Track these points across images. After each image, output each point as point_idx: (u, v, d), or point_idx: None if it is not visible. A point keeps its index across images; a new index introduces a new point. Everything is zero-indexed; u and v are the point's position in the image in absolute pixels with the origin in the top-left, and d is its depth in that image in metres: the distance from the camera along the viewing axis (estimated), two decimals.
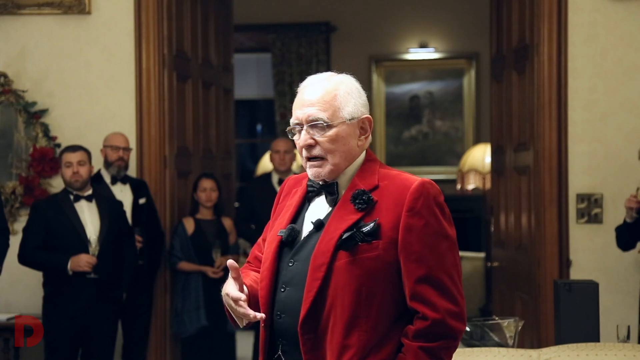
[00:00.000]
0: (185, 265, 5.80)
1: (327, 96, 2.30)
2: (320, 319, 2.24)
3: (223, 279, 5.81)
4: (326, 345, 2.23)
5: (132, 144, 5.58)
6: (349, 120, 2.30)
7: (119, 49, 5.66)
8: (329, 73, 2.40)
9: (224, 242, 5.91)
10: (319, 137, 2.29)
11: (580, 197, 5.33)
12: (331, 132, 2.29)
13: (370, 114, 2.39)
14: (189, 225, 5.86)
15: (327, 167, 2.30)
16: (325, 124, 2.29)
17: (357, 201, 2.26)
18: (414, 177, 2.28)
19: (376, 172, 2.31)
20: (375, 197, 2.26)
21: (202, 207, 5.91)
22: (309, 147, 2.31)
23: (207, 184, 5.90)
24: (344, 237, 2.23)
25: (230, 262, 2.33)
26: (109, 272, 4.99)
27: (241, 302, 2.29)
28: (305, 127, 2.31)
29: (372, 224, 2.23)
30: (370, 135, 2.37)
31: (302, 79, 2.45)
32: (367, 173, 2.31)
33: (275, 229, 2.40)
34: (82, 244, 4.94)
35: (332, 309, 2.23)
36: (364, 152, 2.36)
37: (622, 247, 5.02)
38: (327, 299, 2.23)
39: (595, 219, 5.31)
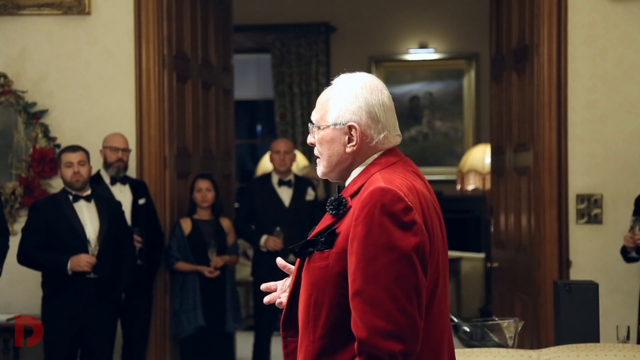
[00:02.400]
0: (182, 266, 5.81)
1: (325, 98, 2.28)
2: (296, 324, 2.24)
3: (219, 279, 5.85)
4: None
5: (132, 144, 5.58)
6: (333, 125, 2.23)
7: (119, 49, 5.66)
8: (352, 74, 2.31)
9: (220, 242, 5.91)
10: (315, 138, 2.30)
11: (580, 198, 5.33)
12: (318, 135, 2.27)
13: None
14: (186, 225, 5.86)
15: (320, 168, 2.30)
16: (315, 127, 2.28)
17: (329, 206, 2.19)
18: (376, 184, 2.13)
19: (369, 176, 2.19)
20: (351, 203, 2.17)
21: (200, 207, 5.91)
22: (312, 144, 2.32)
23: (202, 184, 5.90)
24: (300, 244, 2.20)
25: (278, 260, 2.39)
26: (108, 272, 4.99)
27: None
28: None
29: (327, 233, 2.16)
30: (373, 141, 2.24)
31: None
32: (361, 177, 2.22)
33: None
34: (81, 244, 4.93)
35: (299, 315, 2.22)
36: (376, 155, 2.26)
37: (626, 260, 5.00)
38: (297, 305, 2.23)
39: (595, 220, 5.30)
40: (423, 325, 2.09)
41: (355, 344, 2.06)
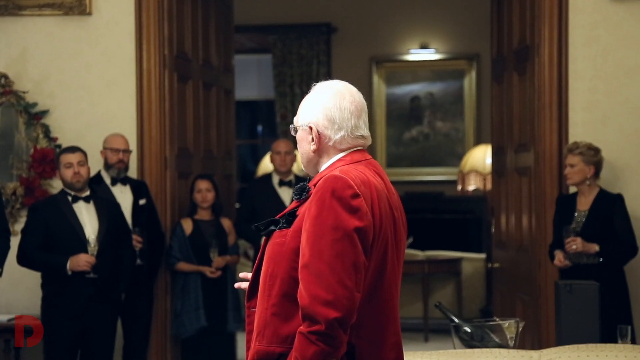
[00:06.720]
0: (183, 266, 5.80)
1: (302, 103, 2.55)
2: (256, 296, 2.51)
3: (221, 279, 5.85)
4: None
5: (133, 145, 5.59)
6: (300, 126, 2.53)
7: (120, 50, 5.67)
8: (328, 81, 2.57)
9: (222, 243, 5.91)
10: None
11: None
12: (296, 136, 2.56)
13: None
14: (187, 225, 5.86)
15: (302, 165, 2.58)
16: (293, 128, 2.57)
17: (294, 192, 2.49)
18: (332, 173, 2.40)
19: (331, 169, 2.45)
20: (313, 190, 2.44)
21: (200, 208, 5.91)
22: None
23: (202, 184, 5.90)
24: (265, 222, 2.49)
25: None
26: (107, 272, 4.99)
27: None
28: None
29: (286, 215, 2.45)
30: (331, 140, 2.47)
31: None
32: (325, 170, 2.48)
33: None
34: (80, 245, 4.93)
35: (259, 286, 2.50)
36: (342, 154, 2.48)
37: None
38: (259, 279, 2.50)
39: None
40: (367, 302, 2.37)
41: (299, 310, 2.33)
